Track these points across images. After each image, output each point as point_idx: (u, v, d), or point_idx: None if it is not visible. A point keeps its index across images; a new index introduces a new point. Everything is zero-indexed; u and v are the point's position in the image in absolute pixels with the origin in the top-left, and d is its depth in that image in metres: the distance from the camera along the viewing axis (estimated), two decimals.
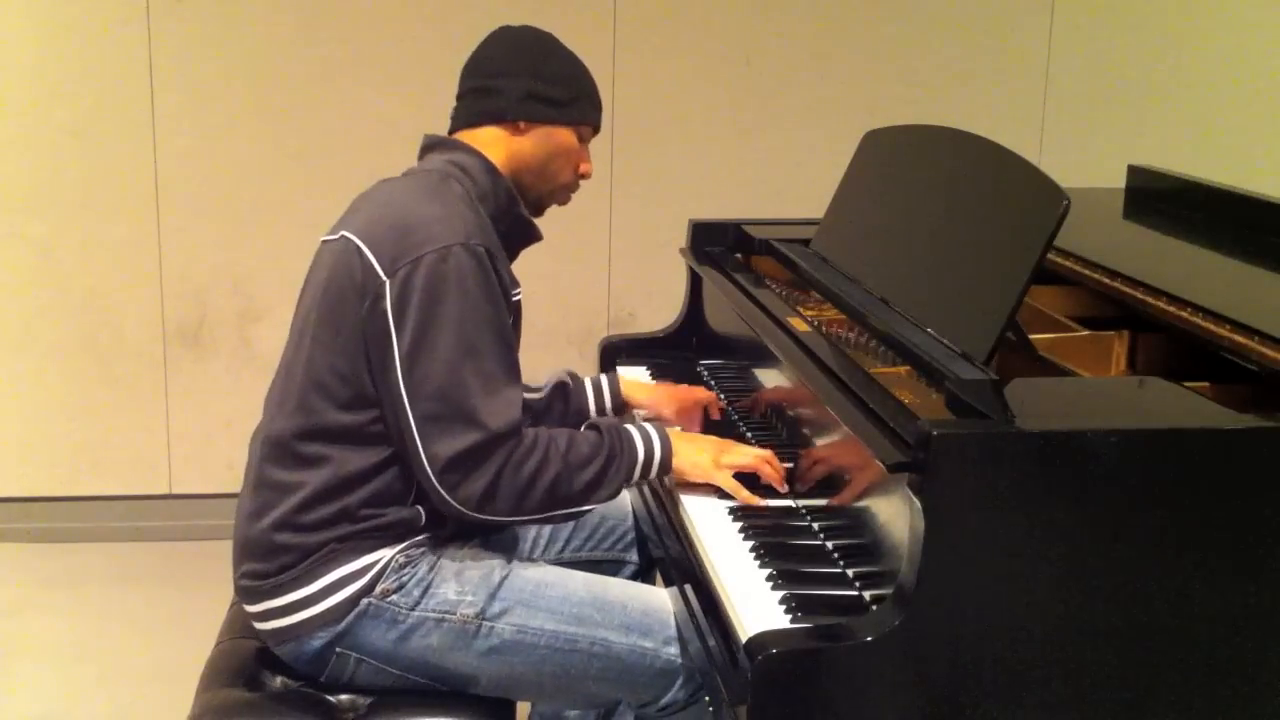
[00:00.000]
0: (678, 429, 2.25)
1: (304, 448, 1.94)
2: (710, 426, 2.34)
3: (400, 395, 1.87)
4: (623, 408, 2.37)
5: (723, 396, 2.46)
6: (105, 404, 3.85)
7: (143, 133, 3.70)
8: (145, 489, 3.91)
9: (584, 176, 2.15)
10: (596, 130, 2.15)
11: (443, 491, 1.87)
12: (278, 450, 1.97)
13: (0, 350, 3.79)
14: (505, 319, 1.94)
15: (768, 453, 2.07)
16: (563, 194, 2.16)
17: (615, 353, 2.74)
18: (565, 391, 2.35)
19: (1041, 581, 1.55)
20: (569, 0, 3.72)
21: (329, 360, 1.94)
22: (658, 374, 2.64)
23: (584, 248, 3.84)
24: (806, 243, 2.51)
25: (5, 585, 3.61)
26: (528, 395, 2.28)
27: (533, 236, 2.14)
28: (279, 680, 2.00)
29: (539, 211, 2.16)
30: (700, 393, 2.39)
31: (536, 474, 1.89)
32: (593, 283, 3.91)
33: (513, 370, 1.93)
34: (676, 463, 2.04)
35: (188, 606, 3.33)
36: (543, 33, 2.13)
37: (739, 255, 2.67)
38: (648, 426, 2.05)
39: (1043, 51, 3.98)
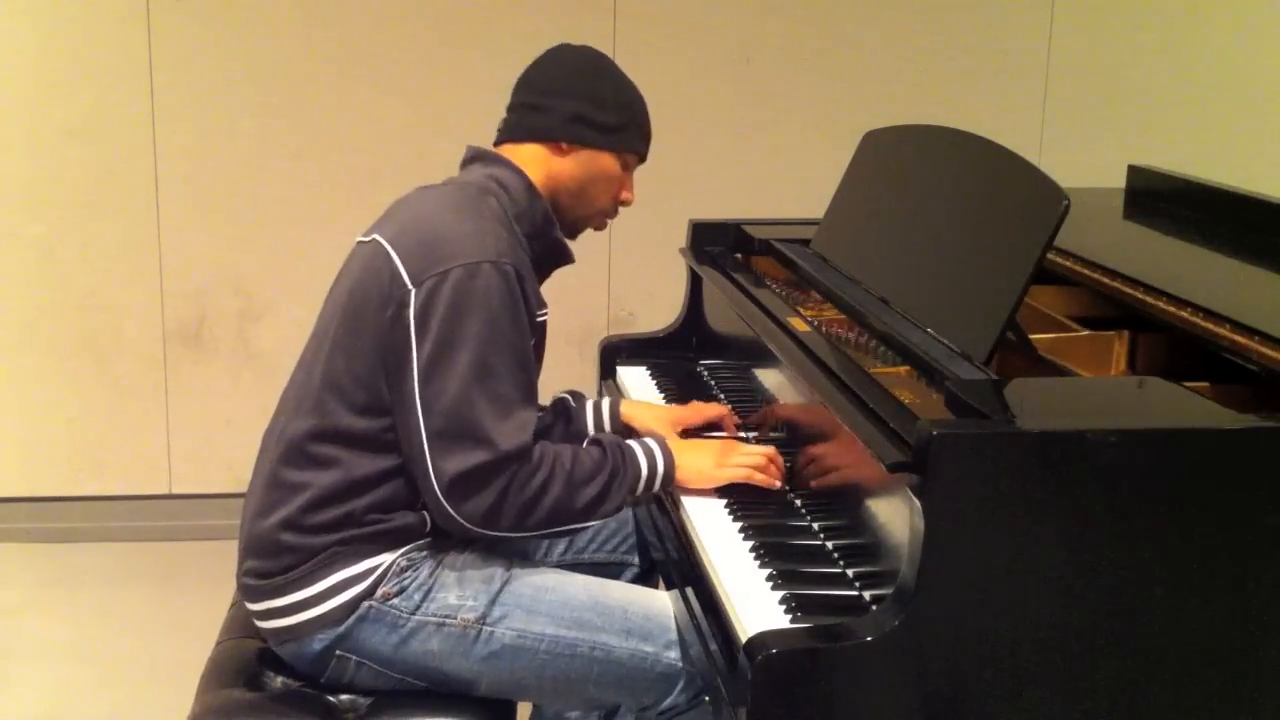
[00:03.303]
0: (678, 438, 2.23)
1: (315, 449, 1.94)
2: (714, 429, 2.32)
3: (414, 407, 1.87)
4: (622, 432, 2.32)
5: (721, 395, 2.46)
6: (105, 404, 3.85)
7: (143, 133, 3.70)
8: (145, 489, 3.91)
9: (624, 204, 2.16)
10: (642, 159, 2.14)
11: (448, 507, 1.87)
12: (290, 450, 1.97)
13: (0, 350, 3.79)
14: (526, 341, 1.94)
15: (770, 449, 2.07)
16: (599, 219, 2.16)
17: (615, 353, 2.74)
18: (567, 410, 2.34)
19: (1041, 581, 1.55)
20: (569, 0, 3.72)
21: (347, 364, 1.94)
22: (657, 374, 2.64)
23: (584, 248, 3.81)
24: (806, 243, 2.51)
25: (5, 585, 3.61)
26: None
27: (565, 259, 2.14)
28: (279, 680, 2.00)
29: (574, 234, 2.16)
30: (709, 410, 2.33)
31: (541, 492, 1.89)
32: (593, 283, 3.91)
33: (528, 392, 1.93)
34: (679, 475, 2.04)
35: (188, 606, 3.33)
36: (600, 55, 2.12)
37: (739, 255, 2.67)
38: (650, 441, 2.05)
39: (1043, 51, 3.98)
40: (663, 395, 2.54)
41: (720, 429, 2.31)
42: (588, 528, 2.02)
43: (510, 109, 2.12)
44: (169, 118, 3.71)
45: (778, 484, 2.05)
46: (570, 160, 2.07)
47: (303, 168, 3.77)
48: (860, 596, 1.74)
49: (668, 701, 2.00)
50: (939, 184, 2.17)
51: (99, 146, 3.70)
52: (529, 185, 2.04)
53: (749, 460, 2.05)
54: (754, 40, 3.89)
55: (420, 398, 1.86)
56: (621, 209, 2.18)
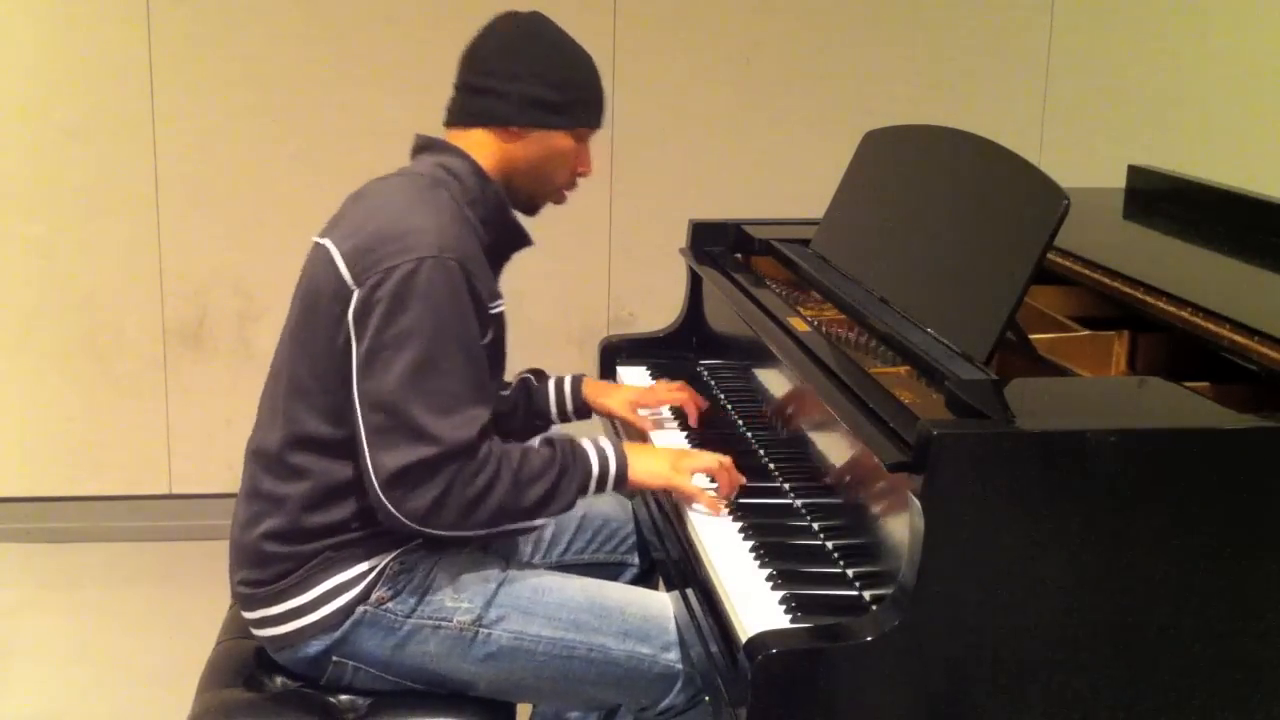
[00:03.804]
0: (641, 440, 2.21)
1: (291, 458, 1.93)
2: (710, 426, 2.33)
3: (354, 404, 1.85)
4: (584, 409, 2.34)
5: (721, 395, 2.46)
6: (105, 404, 3.85)
7: (143, 133, 3.70)
8: (145, 489, 3.91)
9: (581, 176, 2.11)
10: (597, 128, 2.10)
11: (387, 504, 1.84)
12: (269, 462, 1.96)
13: (0, 350, 3.79)
14: (474, 335, 1.89)
15: (726, 459, 2.04)
16: (558, 194, 2.11)
17: (615, 353, 2.74)
18: (528, 389, 2.33)
19: (1041, 581, 1.55)
20: (569, 0, 3.72)
21: (310, 369, 1.92)
22: (658, 374, 2.64)
23: (584, 248, 3.84)
24: (806, 243, 2.51)
25: (5, 585, 3.61)
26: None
27: (522, 242, 2.09)
28: (279, 680, 2.00)
29: (533, 210, 2.11)
30: (669, 394, 2.33)
31: (486, 490, 1.85)
32: (593, 283, 3.91)
33: (477, 389, 1.88)
34: (632, 475, 1.99)
35: (188, 606, 3.33)
36: (545, 25, 2.05)
37: (739, 255, 2.67)
38: (602, 440, 2.01)
39: (1043, 51, 3.98)
40: None
41: (687, 413, 2.30)
42: (536, 528, 1.99)
43: (456, 88, 2.06)
44: (169, 118, 3.71)
45: (721, 507, 1.99)
46: (524, 143, 2.01)
47: (303, 168, 3.77)
48: (860, 596, 1.74)
49: (666, 702, 2.00)
50: (939, 184, 2.17)
51: (99, 146, 3.70)
52: (479, 171, 2.00)
53: (703, 464, 2.02)
54: (754, 40, 3.89)
55: (358, 394, 1.84)
56: (582, 182, 2.11)
